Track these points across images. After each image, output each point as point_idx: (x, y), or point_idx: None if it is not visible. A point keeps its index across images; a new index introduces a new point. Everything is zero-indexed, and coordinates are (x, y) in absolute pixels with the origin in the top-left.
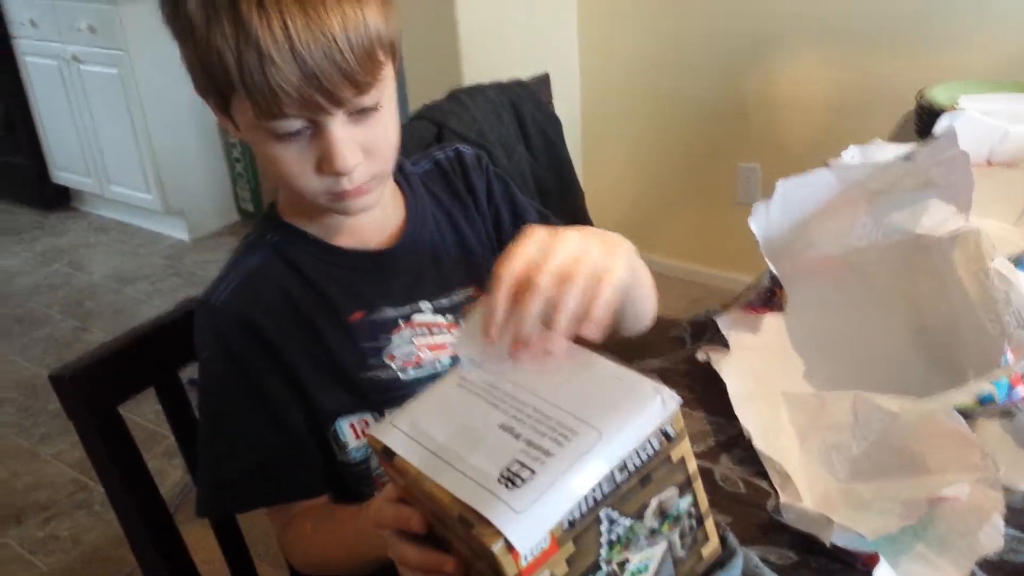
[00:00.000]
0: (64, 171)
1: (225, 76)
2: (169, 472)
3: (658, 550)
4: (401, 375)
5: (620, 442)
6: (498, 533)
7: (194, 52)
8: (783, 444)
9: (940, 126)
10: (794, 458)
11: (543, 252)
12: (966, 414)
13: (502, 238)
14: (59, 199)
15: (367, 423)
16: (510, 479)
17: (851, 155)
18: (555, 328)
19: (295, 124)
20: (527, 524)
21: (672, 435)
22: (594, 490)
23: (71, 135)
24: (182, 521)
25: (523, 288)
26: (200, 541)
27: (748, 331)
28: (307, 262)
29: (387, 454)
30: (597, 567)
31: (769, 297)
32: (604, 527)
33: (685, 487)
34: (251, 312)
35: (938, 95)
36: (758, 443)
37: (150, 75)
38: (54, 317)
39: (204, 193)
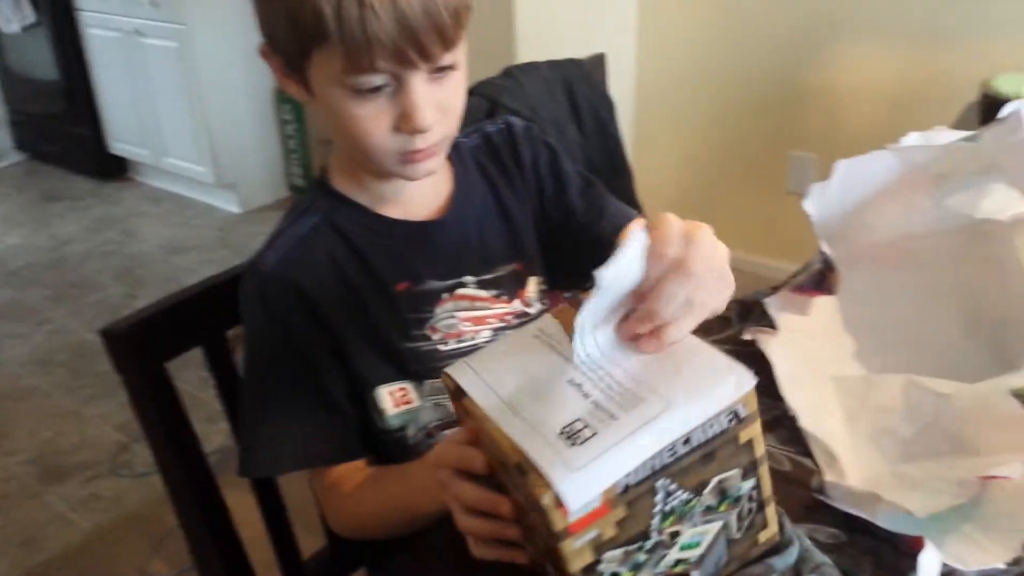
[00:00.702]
0: (121, 142)
1: (318, 27)
2: (211, 436)
3: (712, 527)
4: (440, 347)
5: (687, 415)
6: (550, 486)
7: (284, 3)
8: (831, 426)
9: (1006, 111)
10: (842, 440)
11: (685, 239)
12: (1021, 399)
13: (545, 208)
14: (115, 169)
15: (405, 391)
16: (571, 436)
17: (911, 141)
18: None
19: (379, 79)
20: (579, 482)
21: (743, 416)
22: (654, 459)
23: (129, 107)
24: (223, 485)
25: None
26: (239, 504)
27: (797, 313)
28: (355, 230)
29: (458, 393)
30: (647, 535)
31: (820, 280)
32: (660, 497)
33: (749, 470)
34: (299, 278)
35: (1003, 85)
36: (805, 423)
37: (208, 50)
38: (105, 283)
39: (256, 168)
